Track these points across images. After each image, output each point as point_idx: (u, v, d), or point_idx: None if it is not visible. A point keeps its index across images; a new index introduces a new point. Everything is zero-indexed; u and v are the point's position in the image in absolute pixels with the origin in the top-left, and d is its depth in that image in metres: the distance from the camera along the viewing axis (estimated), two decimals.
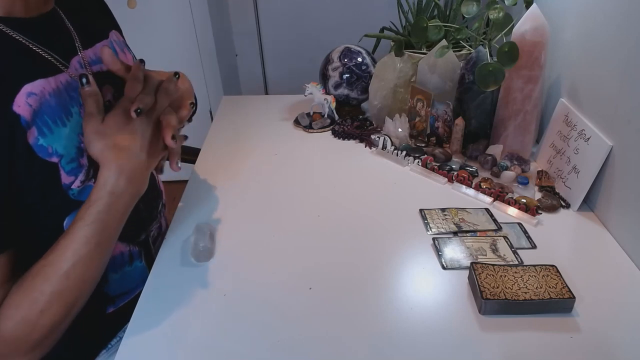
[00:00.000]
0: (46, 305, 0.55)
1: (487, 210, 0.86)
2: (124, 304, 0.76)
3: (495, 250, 0.76)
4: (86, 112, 0.59)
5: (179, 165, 0.66)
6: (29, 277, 0.57)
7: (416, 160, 1.02)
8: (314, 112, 1.23)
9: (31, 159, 0.56)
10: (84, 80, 0.58)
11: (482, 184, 0.92)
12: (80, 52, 0.67)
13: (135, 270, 0.71)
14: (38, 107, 0.57)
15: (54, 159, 0.59)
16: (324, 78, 1.24)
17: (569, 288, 0.65)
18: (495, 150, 1.00)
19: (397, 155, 1.04)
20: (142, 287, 0.70)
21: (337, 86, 1.22)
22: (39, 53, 0.60)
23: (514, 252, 0.76)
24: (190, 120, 0.77)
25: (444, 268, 0.73)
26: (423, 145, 1.09)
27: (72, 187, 0.61)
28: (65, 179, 0.60)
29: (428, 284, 0.71)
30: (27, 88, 0.56)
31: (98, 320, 0.62)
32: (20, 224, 0.58)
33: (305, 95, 1.20)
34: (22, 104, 0.55)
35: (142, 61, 0.64)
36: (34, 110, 0.56)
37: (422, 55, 1.08)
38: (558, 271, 0.68)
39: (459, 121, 1.02)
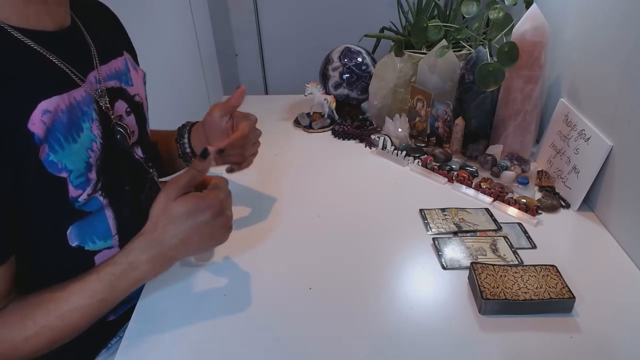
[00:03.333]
0: (33, 335, 0.57)
1: (487, 210, 0.86)
2: (124, 311, 0.76)
3: (495, 250, 0.76)
4: (179, 178, 0.60)
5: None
6: (30, 304, 0.58)
7: (416, 160, 1.02)
8: (314, 112, 1.23)
9: (40, 174, 0.57)
10: (206, 152, 0.61)
11: (482, 184, 0.92)
12: (97, 67, 0.67)
13: None
14: (51, 124, 0.57)
15: (63, 174, 0.59)
16: (324, 78, 1.24)
17: (569, 288, 0.65)
18: (495, 150, 1.00)
19: (397, 155, 1.04)
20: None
21: (337, 86, 1.22)
22: (59, 67, 0.60)
23: (514, 252, 0.76)
24: None
25: (444, 268, 0.73)
26: (423, 145, 1.09)
27: (79, 199, 0.61)
28: (72, 192, 0.60)
29: (428, 284, 0.71)
30: (43, 105, 0.56)
31: (98, 327, 0.63)
32: (21, 231, 0.58)
33: (305, 95, 1.20)
34: (37, 121, 0.55)
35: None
36: (48, 127, 0.56)
37: (422, 55, 1.08)
38: (558, 271, 0.68)
39: (459, 121, 1.02)
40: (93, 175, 0.63)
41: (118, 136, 0.68)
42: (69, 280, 0.59)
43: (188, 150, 0.85)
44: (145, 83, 0.81)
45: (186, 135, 0.85)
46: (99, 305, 0.59)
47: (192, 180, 0.61)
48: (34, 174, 0.56)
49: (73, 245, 0.63)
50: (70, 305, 0.58)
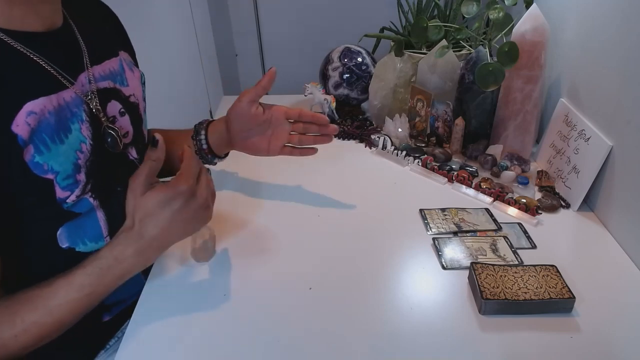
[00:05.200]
0: (21, 332, 0.56)
1: (487, 210, 0.86)
2: (120, 311, 0.75)
3: (495, 250, 0.76)
4: (139, 173, 0.61)
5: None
6: (18, 301, 0.58)
7: (416, 160, 1.02)
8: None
9: (26, 175, 0.56)
10: (155, 141, 0.60)
11: (482, 184, 0.92)
12: (87, 68, 0.66)
13: (132, 280, 0.72)
14: (36, 125, 0.56)
15: (50, 176, 0.58)
16: (324, 78, 1.24)
17: (569, 288, 0.65)
18: (495, 150, 1.00)
19: (397, 155, 1.04)
20: (138, 295, 0.69)
21: (337, 86, 1.22)
22: (45, 68, 0.59)
23: (514, 252, 0.76)
24: None
25: (444, 268, 0.73)
26: (423, 145, 1.09)
27: (67, 201, 0.61)
28: (60, 193, 0.60)
29: (428, 284, 0.71)
30: (28, 107, 0.56)
31: (94, 327, 0.63)
32: (10, 233, 0.58)
33: (305, 95, 1.20)
34: (21, 123, 0.55)
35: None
36: (32, 129, 0.56)
37: (422, 55, 1.08)
38: (558, 271, 0.68)
39: (459, 121, 1.02)
40: (82, 177, 0.62)
41: (109, 139, 0.67)
42: (55, 276, 0.59)
43: (205, 146, 0.86)
44: (144, 84, 0.81)
45: (203, 132, 0.85)
46: (87, 299, 0.59)
47: (152, 171, 0.61)
48: (20, 176, 0.56)
49: (63, 246, 0.63)
50: (58, 300, 0.57)
